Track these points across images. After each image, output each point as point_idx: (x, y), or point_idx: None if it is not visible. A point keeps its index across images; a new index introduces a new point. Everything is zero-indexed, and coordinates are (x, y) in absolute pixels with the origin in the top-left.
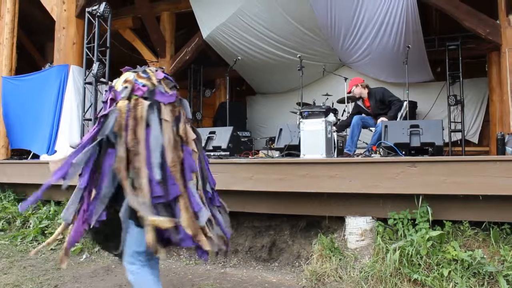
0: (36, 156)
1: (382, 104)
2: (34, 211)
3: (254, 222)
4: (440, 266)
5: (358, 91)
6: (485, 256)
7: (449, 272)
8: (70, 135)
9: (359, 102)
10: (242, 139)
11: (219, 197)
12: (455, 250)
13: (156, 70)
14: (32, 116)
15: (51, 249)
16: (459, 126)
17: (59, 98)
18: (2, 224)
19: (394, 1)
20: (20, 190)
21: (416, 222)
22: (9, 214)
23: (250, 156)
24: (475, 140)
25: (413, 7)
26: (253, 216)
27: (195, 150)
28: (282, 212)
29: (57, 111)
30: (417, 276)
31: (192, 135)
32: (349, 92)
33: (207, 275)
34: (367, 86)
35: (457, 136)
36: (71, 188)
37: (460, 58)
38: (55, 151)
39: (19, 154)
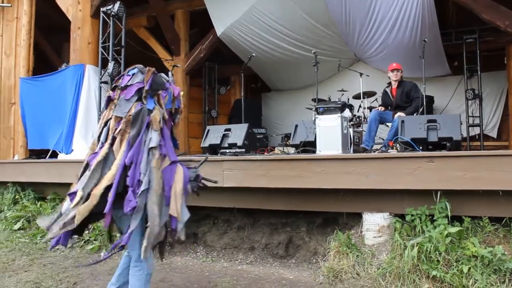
0: (54, 156)
1: (406, 98)
2: (53, 210)
3: (270, 219)
4: (460, 263)
5: (400, 75)
6: (506, 253)
7: (469, 268)
8: (86, 134)
9: (387, 89)
10: (258, 136)
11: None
12: (474, 246)
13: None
14: (49, 116)
15: (70, 247)
16: (477, 121)
17: (75, 97)
18: (22, 222)
19: None
20: (39, 189)
21: (434, 218)
22: (28, 212)
23: (265, 153)
24: (494, 134)
25: (429, 0)
26: (269, 213)
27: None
28: (298, 208)
29: (73, 111)
30: (436, 273)
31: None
32: (396, 70)
33: (224, 272)
34: (402, 75)
35: (475, 131)
36: None
37: (478, 51)
38: (72, 150)
39: (37, 153)
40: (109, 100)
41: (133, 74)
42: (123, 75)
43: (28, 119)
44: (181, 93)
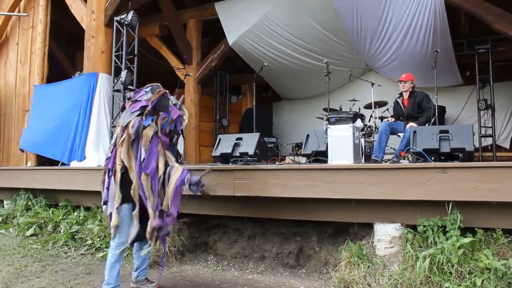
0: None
1: (418, 108)
2: (64, 217)
3: (281, 228)
4: (473, 275)
5: (409, 86)
6: None
7: (482, 281)
8: (98, 142)
9: (399, 99)
10: (269, 145)
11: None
12: (488, 258)
13: None
14: (61, 123)
15: (81, 254)
16: (489, 131)
17: (89, 105)
18: (34, 229)
19: (421, 5)
20: (51, 196)
21: (446, 229)
22: (41, 219)
23: (277, 162)
24: (507, 145)
25: (441, 11)
26: (280, 222)
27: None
28: (309, 218)
29: (86, 118)
30: (448, 285)
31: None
32: (406, 81)
33: (234, 282)
34: (414, 86)
35: (488, 141)
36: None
37: (490, 61)
38: (85, 158)
39: (50, 160)
40: (123, 108)
41: (145, 92)
42: (141, 89)
43: (40, 125)
44: (185, 116)
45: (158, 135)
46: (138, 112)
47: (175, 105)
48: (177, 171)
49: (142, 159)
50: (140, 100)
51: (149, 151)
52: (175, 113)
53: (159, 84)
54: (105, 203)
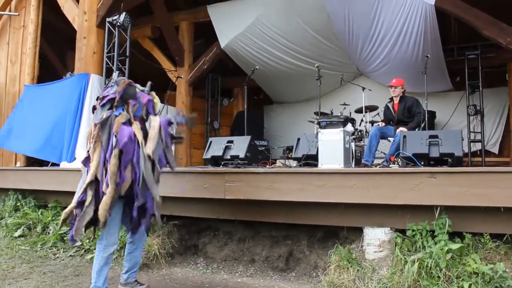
0: (56, 163)
1: (408, 113)
2: (53, 218)
3: (271, 231)
4: (460, 279)
5: (399, 91)
6: (507, 270)
7: (470, 285)
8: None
9: (390, 104)
10: (260, 148)
11: None
12: (475, 263)
13: None
14: (51, 123)
15: (70, 255)
16: (478, 136)
17: (79, 106)
18: (23, 230)
19: (412, 10)
20: (41, 197)
21: (435, 234)
22: (29, 220)
23: (267, 165)
24: (495, 150)
25: (431, 16)
26: (270, 225)
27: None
28: (299, 221)
29: (77, 119)
30: None
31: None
32: (396, 86)
33: (224, 284)
34: (404, 91)
35: (477, 147)
36: None
37: (480, 67)
38: (75, 159)
39: (39, 161)
40: (94, 109)
41: (111, 86)
42: (107, 86)
43: (29, 126)
44: (155, 100)
45: (131, 122)
46: (108, 106)
47: (142, 91)
48: (155, 119)
49: (114, 145)
50: (107, 95)
51: (120, 131)
52: (144, 97)
53: (124, 77)
54: None
